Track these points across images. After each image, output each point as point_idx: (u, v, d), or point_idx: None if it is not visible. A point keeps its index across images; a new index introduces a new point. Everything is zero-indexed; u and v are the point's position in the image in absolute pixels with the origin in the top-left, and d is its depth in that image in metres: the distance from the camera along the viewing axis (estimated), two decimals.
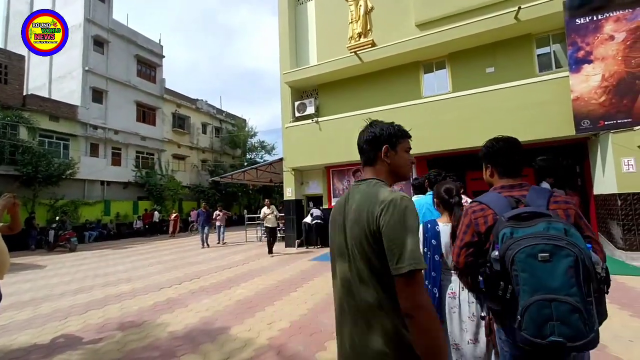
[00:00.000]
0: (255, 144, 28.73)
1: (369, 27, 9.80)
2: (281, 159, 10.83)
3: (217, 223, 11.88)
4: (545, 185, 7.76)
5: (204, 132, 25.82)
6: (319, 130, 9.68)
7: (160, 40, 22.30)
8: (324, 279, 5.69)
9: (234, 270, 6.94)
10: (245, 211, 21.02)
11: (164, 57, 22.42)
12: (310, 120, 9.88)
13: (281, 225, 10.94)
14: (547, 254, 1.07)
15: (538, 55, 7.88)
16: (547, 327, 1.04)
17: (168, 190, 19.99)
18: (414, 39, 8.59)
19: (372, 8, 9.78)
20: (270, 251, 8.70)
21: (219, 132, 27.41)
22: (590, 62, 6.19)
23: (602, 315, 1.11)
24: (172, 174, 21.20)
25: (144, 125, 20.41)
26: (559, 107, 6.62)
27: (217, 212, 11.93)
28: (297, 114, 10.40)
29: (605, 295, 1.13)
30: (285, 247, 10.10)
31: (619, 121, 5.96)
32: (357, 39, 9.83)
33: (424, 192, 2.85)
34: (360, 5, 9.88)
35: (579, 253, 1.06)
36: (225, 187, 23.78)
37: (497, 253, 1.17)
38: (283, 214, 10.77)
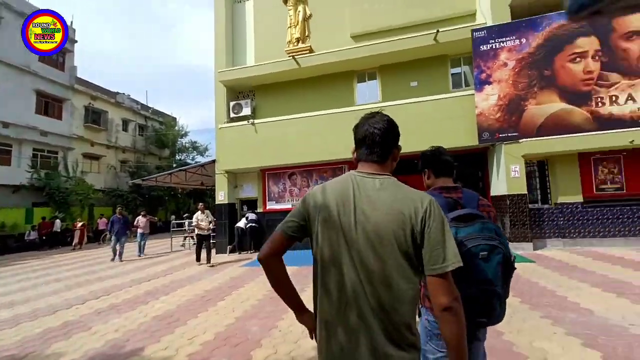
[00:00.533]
0: (186, 145, 26.68)
1: (307, 33, 9.96)
2: (214, 161, 10.23)
3: (140, 231, 10.14)
4: None
5: (125, 129, 22.96)
6: (255, 133, 9.42)
7: (72, 22, 19.14)
8: (255, 285, 5.49)
9: (154, 282, 6.24)
10: (173, 217, 19.23)
11: (76, 41, 19.38)
12: (246, 122, 9.56)
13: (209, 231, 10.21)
14: (485, 253, 1.27)
15: (452, 74, 9.02)
16: (480, 312, 1.26)
17: (75, 194, 17.06)
18: (349, 49, 9.03)
19: (310, 15, 9.98)
20: (198, 259, 8.07)
21: (144, 130, 24.72)
22: (490, 83, 7.30)
23: (507, 296, 1.36)
24: (81, 176, 18.28)
25: (46, 119, 17.23)
26: (466, 120, 7.62)
27: (139, 217, 10.27)
28: (232, 115, 9.97)
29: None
30: (216, 253, 9.51)
31: (509, 134, 7.13)
32: (295, 44, 9.90)
33: None
34: (299, 12, 9.99)
35: (505, 250, 1.29)
36: (150, 191, 21.46)
37: None
38: (216, 219, 10.14)
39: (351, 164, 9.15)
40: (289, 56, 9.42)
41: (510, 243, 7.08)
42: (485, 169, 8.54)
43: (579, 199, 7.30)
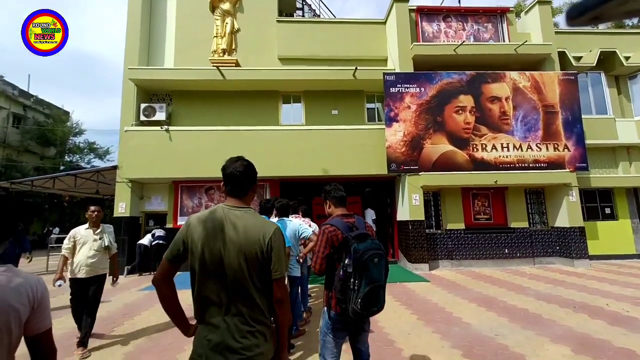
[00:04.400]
0: (81, 145, 22.70)
1: (234, 46, 9.84)
2: (115, 167, 8.94)
3: None
4: (370, 211, 9.69)
5: None
6: (170, 141, 8.64)
7: None
8: (154, 313, 4.84)
9: None
10: (57, 229, 15.97)
11: None
12: (159, 127, 8.71)
13: None
14: (377, 259, 1.80)
15: (367, 108, 10.04)
16: (371, 303, 1.76)
17: None
18: (275, 70, 9.25)
19: (238, 29, 9.91)
20: None
21: (22, 122, 20.14)
22: (397, 121, 8.38)
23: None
24: None
25: None
26: (379, 151, 8.51)
27: None
28: (142, 118, 8.97)
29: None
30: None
31: (411, 167, 8.23)
32: (221, 55, 9.64)
33: (286, 215, 3.78)
34: (227, 23, 9.83)
35: (385, 256, 1.89)
36: (22, 197, 17.29)
37: (348, 261, 1.79)
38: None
39: (272, 182, 9.18)
40: (214, 66, 9.10)
41: (410, 264, 8.02)
42: (394, 196, 9.60)
43: (462, 226, 8.75)
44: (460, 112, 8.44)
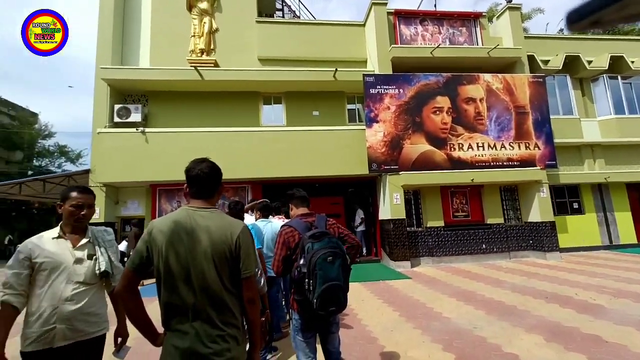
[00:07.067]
0: (51, 148, 21.56)
1: (212, 46, 9.67)
2: (87, 171, 8.55)
3: None
4: (359, 211, 9.78)
5: None
6: (146, 142, 8.36)
7: None
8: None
9: None
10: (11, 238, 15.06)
11: None
12: (134, 129, 8.41)
13: None
14: (331, 258, 1.76)
15: (348, 109, 10.13)
16: (329, 302, 1.74)
17: None
18: (255, 71, 9.16)
19: (217, 29, 9.76)
20: None
21: None
22: (377, 121, 8.50)
23: (348, 289, 1.86)
24: None
25: None
26: (359, 151, 8.60)
27: None
28: (116, 119, 8.64)
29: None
30: None
31: (392, 167, 8.37)
32: (199, 55, 9.45)
33: (268, 216, 3.84)
34: (205, 23, 9.66)
35: (344, 255, 1.83)
36: None
37: (303, 261, 1.79)
38: None
39: (254, 184, 9.07)
40: (191, 66, 8.91)
41: (392, 262, 8.13)
42: (375, 195, 9.72)
43: (442, 223, 8.97)
44: (437, 112, 8.67)
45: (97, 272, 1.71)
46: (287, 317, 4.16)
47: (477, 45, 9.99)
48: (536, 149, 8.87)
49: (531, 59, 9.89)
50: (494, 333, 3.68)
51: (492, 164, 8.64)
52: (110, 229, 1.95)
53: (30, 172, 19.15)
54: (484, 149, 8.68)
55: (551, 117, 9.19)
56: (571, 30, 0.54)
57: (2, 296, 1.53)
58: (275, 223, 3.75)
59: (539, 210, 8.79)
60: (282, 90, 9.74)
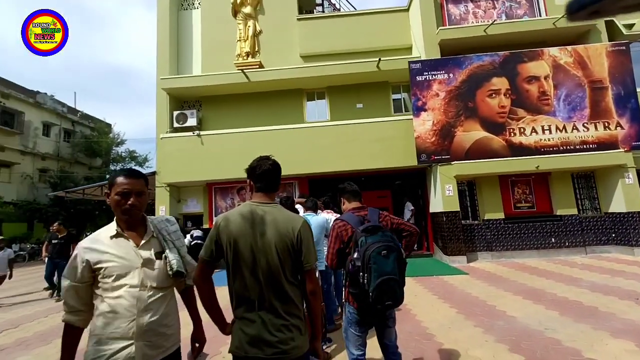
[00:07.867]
0: (123, 154, 24.38)
1: (257, 48, 10.02)
2: (154, 173, 9.51)
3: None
4: (408, 204, 9.47)
5: (47, 134, 20.22)
6: (201, 145, 9.04)
7: None
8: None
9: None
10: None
11: None
12: (191, 133, 9.13)
13: None
14: (386, 252, 1.75)
15: (393, 100, 9.78)
16: (385, 296, 1.73)
17: None
18: (298, 68, 9.29)
19: (260, 31, 10.09)
20: None
21: (71, 136, 22.04)
22: (426, 110, 8.07)
23: (404, 283, 1.85)
24: None
25: None
26: (407, 142, 8.27)
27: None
28: (175, 125, 9.45)
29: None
30: None
31: (443, 157, 7.90)
32: (245, 58, 9.88)
33: (315, 211, 3.92)
34: (249, 27, 10.04)
35: (398, 250, 1.81)
36: (75, 205, 18.98)
37: (357, 255, 1.79)
38: None
39: (300, 180, 9.26)
40: (239, 69, 9.35)
41: (446, 257, 7.73)
42: (425, 187, 9.29)
43: (502, 215, 8.27)
44: (493, 95, 7.94)
45: (170, 272, 1.36)
46: (339, 310, 4.20)
47: (540, 16, 8.90)
48: (618, 128, 7.66)
49: (610, 24, 8.52)
50: (570, 336, 3.29)
51: (561, 148, 7.68)
52: (172, 218, 1.63)
53: (107, 176, 21.87)
54: (550, 132, 7.75)
55: (638, 90, 7.85)
56: (571, 21, 0.54)
57: (63, 315, 1.31)
58: (320, 216, 3.82)
59: (623, 199, 7.62)
60: (324, 85, 9.75)
